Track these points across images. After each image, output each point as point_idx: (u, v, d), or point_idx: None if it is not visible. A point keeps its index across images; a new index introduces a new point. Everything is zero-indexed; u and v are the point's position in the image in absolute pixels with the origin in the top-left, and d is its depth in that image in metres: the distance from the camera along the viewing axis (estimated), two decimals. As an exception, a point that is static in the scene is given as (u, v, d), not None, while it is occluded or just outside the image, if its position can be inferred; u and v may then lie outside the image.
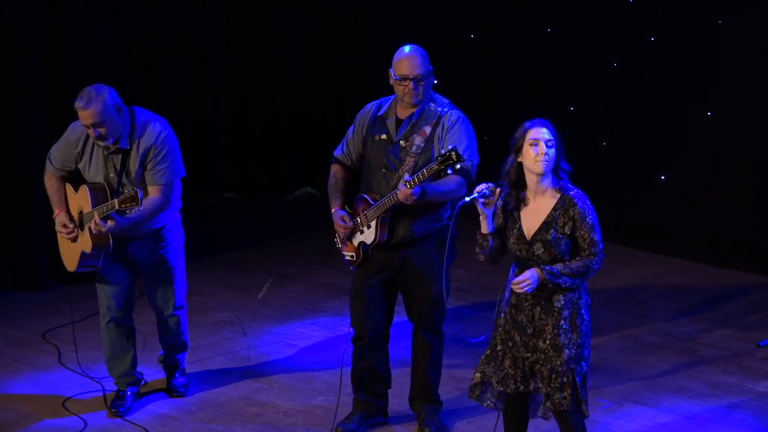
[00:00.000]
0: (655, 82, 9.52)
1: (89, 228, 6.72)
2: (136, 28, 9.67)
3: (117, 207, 6.59)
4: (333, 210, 6.72)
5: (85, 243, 6.87)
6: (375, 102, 6.78)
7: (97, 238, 6.77)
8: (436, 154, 6.49)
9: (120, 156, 6.83)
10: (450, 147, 6.24)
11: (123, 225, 6.73)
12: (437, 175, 6.32)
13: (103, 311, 7.13)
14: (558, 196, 5.76)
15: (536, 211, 5.79)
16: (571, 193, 5.75)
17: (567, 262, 5.73)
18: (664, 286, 9.06)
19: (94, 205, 6.77)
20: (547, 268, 5.71)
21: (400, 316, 7.00)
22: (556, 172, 5.77)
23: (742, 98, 9.18)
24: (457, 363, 7.72)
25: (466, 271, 9.16)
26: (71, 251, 7.00)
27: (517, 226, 5.81)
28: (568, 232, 5.73)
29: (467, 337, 7.65)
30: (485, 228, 5.85)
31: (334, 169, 6.84)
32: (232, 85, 10.81)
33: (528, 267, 5.78)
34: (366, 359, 6.86)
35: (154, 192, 6.83)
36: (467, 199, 5.87)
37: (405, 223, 6.58)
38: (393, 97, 6.67)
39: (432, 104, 6.61)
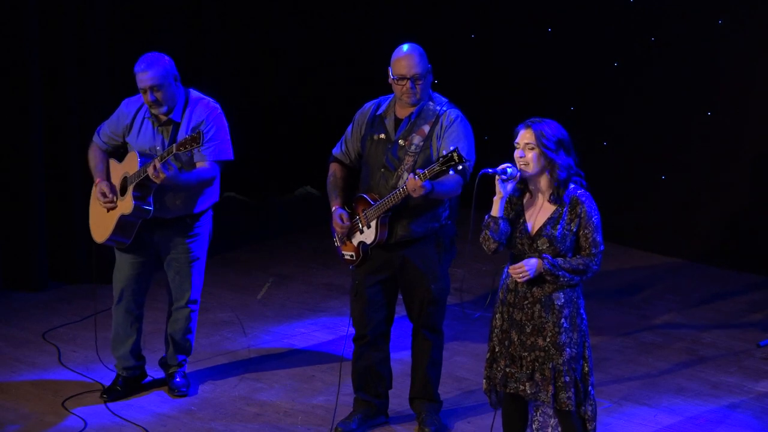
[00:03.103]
0: (655, 82, 9.52)
1: (151, 168, 6.70)
2: (136, 26, 9.65)
3: (175, 151, 6.64)
4: (333, 209, 6.71)
5: (126, 205, 6.90)
6: (374, 101, 6.78)
7: (142, 198, 6.84)
8: (435, 153, 6.49)
9: (170, 128, 6.90)
10: (452, 148, 6.23)
11: (178, 177, 6.79)
12: (438, 175, 6.31)
13: (115, 293, 7.20)
14: (563, 194, 5.75)
15: (541, 207, 5.80)
16: (578, 192, 5.77)
17: (567, 258, 5.75)
18: (664, 286, 9.05)
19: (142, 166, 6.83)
20: (549, 258, 5.71)
21: (400, 316, 7.00)
22: (552, 172, 5.75)
23: (742, 98, 9.18)
24: (458, 362, 7.73)
25: (465, 270, 9.16)
26: (105, 221, 7.02)
27: (521, 220, 5.81)
28: (574, 229, 5.74)
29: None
30: (497, 211, 5.80)
31: (333, 167, 6.83)
32: (231, 85, 10.79)
33: None
34: (366, 358, 6.85)
35: (202, 164, 6.91)
36: (490, 171, 5.78)
37: (404, 222, 6.58)
38: (392, 96, 6.67)
39: (431, 103, 6.61)
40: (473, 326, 8.29)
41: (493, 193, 5.82)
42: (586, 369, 5.85)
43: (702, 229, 9.45)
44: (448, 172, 6.24)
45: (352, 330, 6.88)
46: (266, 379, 7.54)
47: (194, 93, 7.04)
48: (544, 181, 5.78)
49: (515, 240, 5.82)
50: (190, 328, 7.28)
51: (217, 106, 7.04)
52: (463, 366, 7.70)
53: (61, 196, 8.91)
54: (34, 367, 7.68)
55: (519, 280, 5.79)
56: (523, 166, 5.76)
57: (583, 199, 5.76)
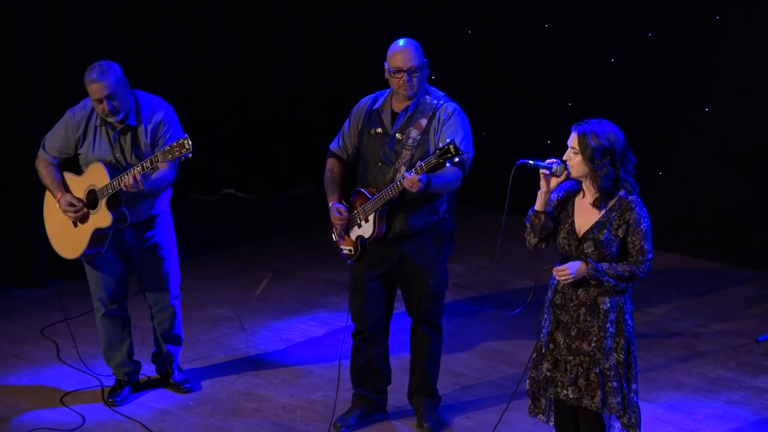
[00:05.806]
0: (653, 78, 9.52)
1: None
2: (136, 26, 9.68)
3: (162, 160, 6.60)
4: (330, 204, 6.72)
5: (101, 218, 6.85)
6: (370, 96, 6.79)
7: (115, 205, 6.79)
8: (433, 147, 6.50)
9: (129, 134, 6.86)
10: (448, 140, 6.25)
11: (153, 185, 6.76)
12: (434, 168, 6.32)
13: (96, 305, 7.16)
14: (615, 198, 5.67)
15: (590, 210, 5.71)
16: (630, 198, 5.67)
17: (613, 264, 5.66)
18: (662, 281, 9.04)
19: (112, 177, 6.76)
20: (593, 263, 5.64)
21: (399, 312, 7.00)
22: (594, 181, 5.65)
23: (740, 94, 9.19)
24: (456, 358, 7.73)
25: (464, 266, 9.17)
26: (75, 236, 6.96)
27: (570, 221, 5.74)
28: (621, 235, 5.65)
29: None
30: (541, 205, 5.74)
31: (330, 163, 6.84)
32: (231, 81, 10.82)
33: None
34: (365, 353, 6.85)
35: (164, 167, 6.84)
36: (531, 162, 5.74)
37: (402, 216, 6.59)
38: (388, 90, 6.68)
39: (427, 97, 6.62)
40: (472, 321, 8.30)
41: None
42: (630, 375, 5.75)
43: (700, 225, 9.46)
44: (445, 165, 6.25)
45: (350, 325, 6.89)
46: (265, 374, 7.55)
47: (141, 94, 6.95)
48: (590, 186, 5.70)
49: (562, 241, 5.75)
50: (177, 321, 7.27)
51: (167, 104, 6.96)
52: (462, 361, 7.70)
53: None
54: (33, 363, 7.69)
55: (562, 282, 5.74)
56: (569, 168, 5.68)
57: (633, 205, 5.65)
